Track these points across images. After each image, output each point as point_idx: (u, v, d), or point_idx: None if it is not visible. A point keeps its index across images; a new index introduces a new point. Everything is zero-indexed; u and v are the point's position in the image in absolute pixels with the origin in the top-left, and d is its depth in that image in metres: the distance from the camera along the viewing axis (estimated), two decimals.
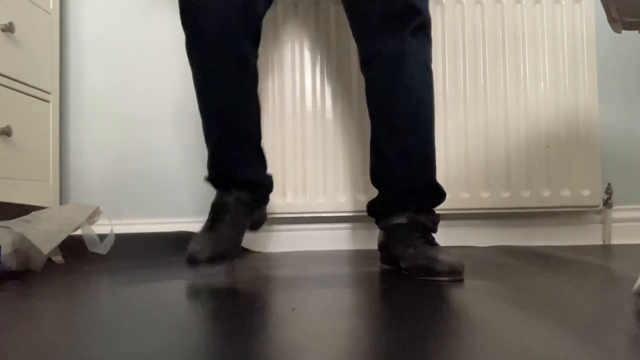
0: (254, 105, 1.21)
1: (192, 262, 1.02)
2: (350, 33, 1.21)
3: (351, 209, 1.56)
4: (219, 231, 1.09)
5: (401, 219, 1.11)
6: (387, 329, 0.62)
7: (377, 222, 1.20)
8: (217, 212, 1.14)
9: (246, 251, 1.56)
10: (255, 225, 1.27)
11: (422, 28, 1.13)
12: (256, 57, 1.18)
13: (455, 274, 0.97)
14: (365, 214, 1.23)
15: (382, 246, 1.17)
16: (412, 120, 1.13)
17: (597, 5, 1.56)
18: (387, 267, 1.16)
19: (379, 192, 1.19)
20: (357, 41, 1.19)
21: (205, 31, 1.09)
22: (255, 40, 1.16)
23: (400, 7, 1.09)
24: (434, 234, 1.12)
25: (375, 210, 1.20)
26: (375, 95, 1.17)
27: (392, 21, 1.10)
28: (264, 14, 1.17)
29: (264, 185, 1.26)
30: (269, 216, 1.55)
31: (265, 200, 1.29)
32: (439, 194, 1.16)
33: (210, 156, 1.19)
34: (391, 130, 1.14)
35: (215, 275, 1.11)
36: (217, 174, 1.19)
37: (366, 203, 1.22)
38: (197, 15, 1.10)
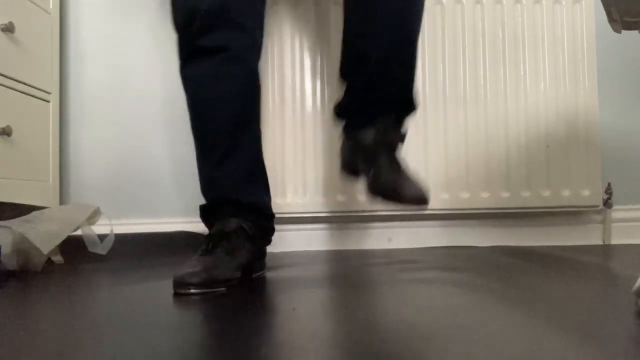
0: (258, 126, 1.09)
1: (180, 286, 0.87)
2: None
3: (351, 209, 1.56)
4: (215, 256, 0.94)
5: (369, 133, 1.04)
6: (386, 329, 0.62)
7: (343, 127, 1.12)
8: (214, 239, 0.98)
9: None
10: (252, 269, 1.06)
11: None
12: (259, 70, 1.08)
13: (420, 201, 0.95)
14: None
15: (345, 153, 1.10)
16: (398, 28, 1.02)
17: (597, 5, 1.56)
18: (348, 175, 1.12)
19: (348, 89, 1.09)
20: None
21: (210, 47, 0.99)
22: (260, 51, 1.06)
23: None
24: (401, 144, 1.07)
25: (344, 112, 1.11)
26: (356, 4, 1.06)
27: None
28: (264, 23, 1.08)
29: (269, 215, 1.10)
30: None
31: (268, 238, 1.12)
32: (412, 106, 1.08)
33: (207, 179, 1.04)
34: (372, 35, 1.03)
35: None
36: (215, 197, 1.04)
37: (339, 116, 1.14)
38: (201, 29, 0.99)
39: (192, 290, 0.87)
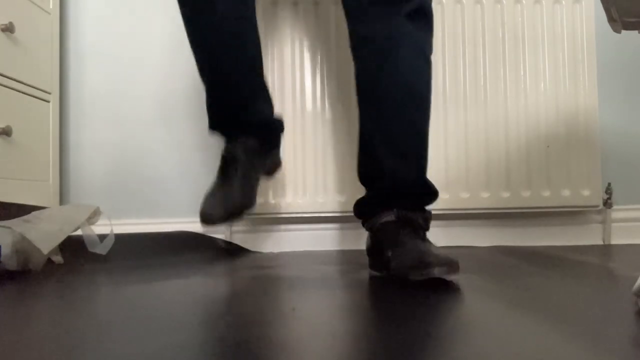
0: (258, 38, 1.11)
1: (207, 221, 0.98)
2: None
3: (352, 209, 1.55)
4: (231, 185, 1.03)
5: (389, 217, 1.01)
6: (386, 330, 0.62)
7: (363, 224, 1.09)
8: (226, 165, 1.07)
9: (246, 251, 1.56)
10: (270, 171, 1.18)
11: (420, 13, 1.03)
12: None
13: (450, 266, 0.85)
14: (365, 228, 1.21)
15: (370, 250, 1.07)
16: (400, 107, 1.03)
17: (597, 5, 1.56)
18: (376, 274, 1.05)
19: (366, 189, 1.10)
20: (348, 23, 1.09)
21: None
22: None
23: None
24: (426, 232, 1.02)
25: (362, 211, 1.09)
26: (363, 80, 1.08)
27: (384, 3, 1.01)
28: None
29: (274, 127, 1.16)
30: (268, 216, 1.55)
31: (277, 143, 1.19)
32: (430, 192, 1.06)
33: (209, 96, 1.09)
34: (377, 118, 1.04)
35: (215, 276, 1.11)
36: (220, 118, 1.09)
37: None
38: None
39: (217, 224, 1.01)
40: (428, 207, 1.06)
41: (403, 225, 0.99)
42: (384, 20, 1.01)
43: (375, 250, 1.04)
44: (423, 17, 1.04)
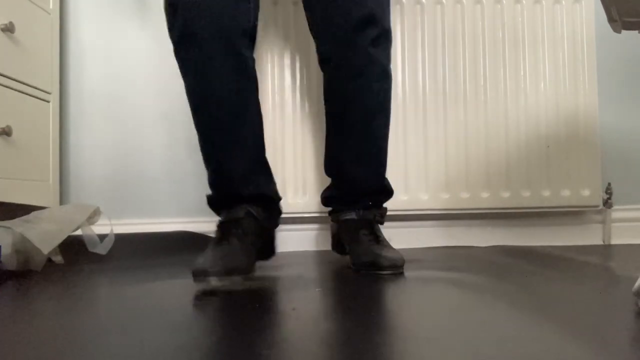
0: (256, 112, 1.10)
1: (200, 275, 0.90)
2: None
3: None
4: (230, 245, 0.97)
5: (351, 215, 1.18)
6: (386, 329, 0.62)
7: (329, 213, 1.26)
8: (225, 228, 1.01)
9: None
10: (264, 253, 1.10)
11: (381, 37, 1.11)
12: (253, 60, 1.09)
13: (396, 268, 1.06)
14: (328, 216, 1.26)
15: (333, 236, 1.27)
16: (363, 128, 1.16)
17: (597, 5, 1.56)
18: (337, 253, 1.27)
19: (331, 181, 1.25)
20: (315, 40, 1.17)
21: (196, 32, 0.99)
22: (252, 41, 1.07)
23: (357, 19, 1.07)
24: (381, 225, 1.20)
25: (328, 202, 1.26)
26: (331, 97, 1.21)
27: (351, 33, 1.08)
28: (257, 13, 1.08)
29: (275, 202, 1.13)
30: None
31: (276, 221, 1.14)
32: (387, 193, 1.23)
33: (212, 174, 1.07)
34: (343, 135, 1.18)
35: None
36: (222, 190, 1.07)
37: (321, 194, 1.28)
38: (187, 14, 0.99)
39: (211, 280, 0.89)
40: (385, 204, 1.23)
41: (362, 224, 1.16)
42: (350, 48, 1.10)
43: (338, 238, 1.24)
44: (385, 40, 1.13)
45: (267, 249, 1.10)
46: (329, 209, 1.27)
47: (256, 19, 1.07)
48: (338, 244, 1.25)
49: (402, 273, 1.06)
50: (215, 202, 1.08)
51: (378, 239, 1.14)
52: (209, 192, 1.09)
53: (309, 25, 1.19)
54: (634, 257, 1.33)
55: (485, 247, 1.54)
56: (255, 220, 1.04)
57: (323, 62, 1.17)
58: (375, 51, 1.11)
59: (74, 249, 1.29)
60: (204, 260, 0.92)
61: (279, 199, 1.15)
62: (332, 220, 1.26)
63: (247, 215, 1.03)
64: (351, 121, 1.16)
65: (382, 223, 1.21)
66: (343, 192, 1.22)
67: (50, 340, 0.60)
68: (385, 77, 1.16)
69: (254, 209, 1.04)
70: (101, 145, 1.67)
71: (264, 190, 1.09)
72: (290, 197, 1.56)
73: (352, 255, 1.15)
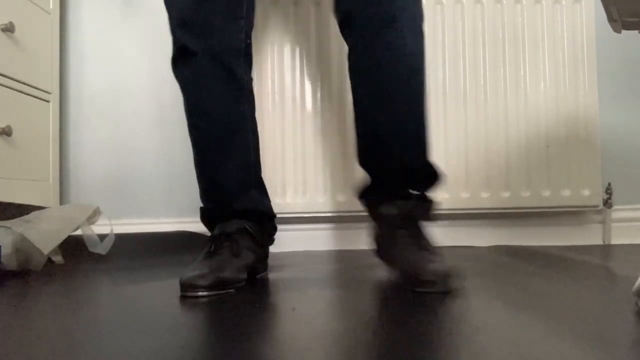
0: (250, 131, 1.07)
1: (189, 288, 0.86)
2: None
3: (351, 209, 1.56)
4: (221, 256, 0.94)
5: (390, 209, 0.99)
6: (386, 330, 0.62)
7: (367, 211, 1.08)
8: (217, 241, 0.98)
9: None
10: (255, 269, 1.05)
11: None
12: (250, 79, 1.08)
13: (437, 285, 0.83)
14: (366, 213, 1.21)
15: (375, 239, 1.06)
16: (403, 89, 0.99)
17: (597, 5, 1.56)
18: (382, 261, 1.05)
19: (368, 175, 1.07)
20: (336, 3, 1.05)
21: (190, 50, 0.99)
22: (248, 61, 1.05)
23: None
24: (430, 222, 1.00)
25: (364, 197, 1.08)
26: (359, 60, 1.02)
27: None
28: (250, 32, 1.06)
29: (270, 218, 1.10)
30: None
31: (270, 237, 1.12)
32: (434, 175, 1.02)
33: (205, 190, 1.05)
34: (378, 101, 1.00)
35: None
36: (214, 204, 1.04)
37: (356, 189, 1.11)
38: (181, 32, 1.00)
39: (200, 293, 0.86)
40: (433, 196, 1.04)
41: (401, 220, 0.98)
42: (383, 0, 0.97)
43: (378, 240, 1.05)
44: None
45: (258, 265, 1.06)
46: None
47: (249, 37, 1.05)
48: (380, 249, 1.04)
49: (446, 292, 0.82)
50: (208, 216, 1.05)
51: (420, 242, 0.94)
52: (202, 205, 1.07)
53: None
54: (634, 257, 1.33)
55: (485, 247, 1.54)
56: (249, 235, 1.01)
57: (345, 23, 1.03)
58: (410, 2, 0.98)
59: (74, 249, 1.29)
60: (192, 273, 0.88)
61: (274, 215, 1.11)
62: (368, 215, 1.07)
63: (239, 231, 0.99)
64: (385, 83, 0.98)
65: (430, 220, 1.00)
66: (379, 180, 1.03)
67: (50, 340, 0.60)
68: (420, 32, 1.00)
69: (248, 224, 1.01)
70: (101, 145, 1.67)
71: (258, 206, 1.06)
72: (290, 197, 1.56)
73: (392, 263, 0.96)
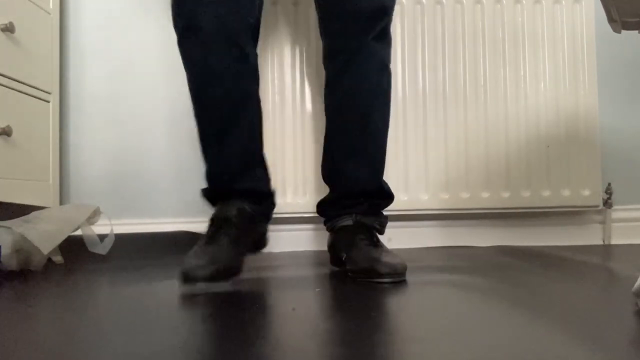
0: (255, 108, 1.10)
1: (188, 279, 0.89)
2: None
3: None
4: (220, 245, 0.96)
5: (347, 221, 1.11)
6: (386, 330, 0.62)
7: (324, 223, 1.20)
8: (217, 225, 1.01)
9: None
10: (257, 246, 1.11)
11: (383, 33, 1.13)
12: (256, 55, 1.10)
13: (397, 275, 0.97)
14: (324, 225, 1.23)
15: (330, 248, 1.17)
16: (361, 122, 1.13)
17: (597, 5, 1.56)
18: (335, 268, 1.15)
19: (329, 191, 1.19)
20: (322, 36, 1.18)
21: (200, 25, 1.00)
22: (255, 36, 1.09)
23: (370, 7, 1.08)
24: (380, 235, 1.12)
25: (323, 211, 1.20)
26: (331, 92, 1.18)
27: (360, 21, 1.09)
28: (261, 8, 1.10)
29: (269, 196, 1.13)
30: None
31: (268, 215, 1.15)
32: (386, 196, 1.16)
33: (208, 167, 1.07)
34: (340, 130, 1.15)
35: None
36: (216, 184, 1.07)
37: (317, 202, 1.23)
38: (192, 8, 1.00)
39: (199, 284, 0.88)
40: (385, 211, 1.17)
41: (359, 229, 1.09)
42: (354, 39, 1.10)
43: (333, 249, 1.15)
44: (385, 36, 1.14)
45: (258, 242, 1.11)
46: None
47: (260, 14, 1.08)
48: (335, 256, 1.15)
49: (403, 281, 0.97)
50: (210, 195, 1.08)
51: (376, 244, 1.07)
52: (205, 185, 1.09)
53: (319, 18, 1.18)
54: (634, 257, 1.33)
55: (485, 247, 1.54)
56: (249, 215, 1.03)
57: (329, 57, 1.17)
58: (378, 45, 1.12)
59: (74, 249, 1.29)
60: (192, 262, 0.91)
61: (273, 192, 1.14)
62: (327, 230, 1.19)
63: (239, 212, 1.02)
64: (349, 115, 1.13)
65: (381, 233, 1.13)
66: (339, 195, 1.16)
67: (50, 340, 0.60)
68: (386, 71, 1.15)
69: (248, 204, 1.04)
70: (101, 145, 1.67)
71: (259, 185, 1.09)
72: (290, 197, 1.56)
73: (348, 263, 1.06)
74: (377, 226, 1.12)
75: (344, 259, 1.07)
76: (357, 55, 1.11)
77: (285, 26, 1.59)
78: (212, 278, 0.89)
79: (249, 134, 1.08)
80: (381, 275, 0.97)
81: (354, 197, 1.12)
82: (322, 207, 1.20)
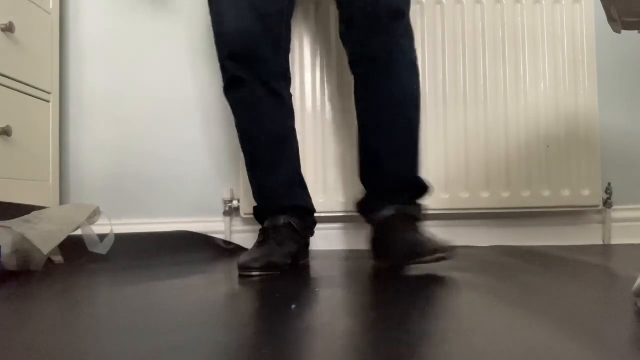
0: (294, 139, 1.27)
1: (245, 270, 1.06)
2: None
3: (351, 209, 1.55)
4: (269, 245, 1.14)
5: (389, 211, 1.17)
6: (386, 329, 0.62)
7: (366, 219, 1.25)
8: (266, 233, 1.18)
9: (246, 251, 1.56)
10: (299, 257, 1.23)
11: (406, 29, 1.19)
12: (290, 96, 1.26)
13: (439, 253, 1.03)
14: (365, 221, 1.24)
15: (372, 242, 1.22)
16: (399, 120, 1.19)
17: (597, 5, 1.56)
18: (379, 263, 1.19)
19: (367, 191, 1.26)
20: (344, 42, 1.25)
21: (243, 78, 1.16)
22: (287, 81, 1.25)
23: (386, 10, 1.15)
24: (421, 222, 1.18)
25: (364, 208, 1.26)
26: (364, 96, 1.24)
27: (381, 23, 1.15)
28: (288, 56, 1.25)
29: (310, 211, 1.28)
30: None
31: (311, 229, 1.31)
32: (424, 189, 1.22)
33: (257, 186, 1.24)
34: (379, 130, 1.21)
35: (215, 276, 1.11)
36: (266, 202, 1.24)
37: (355, 202, 1.29)
38: (234, 63, 1.16)
39: (254, 273, 1.06)
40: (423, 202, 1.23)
41: (401, 218, 1.15)
42: (383, 40, 1.17)
43: (377, 242, 1.20)
44: (408, 32, 1.20)
45: (301, 250, 1.25)
46: (349, 209, 1.32)
47: (288, 61, 1.26)
48: (378, 248, 1.20)
49: (446, 258, 1.02)
50: (260, 213, 1.25)
51: (418, 230, 1.12)
52: (255, 204, 1.27)
53: (340, 26, 1.25)
54: (634, 257, 1.33)
55: (485, 247, 1.54)
56: (293, 228, 1.19)
57: (353, 63, 1.23)
58: (404, 42, 1.19)
59: (74, 249, 1.29)
60: (247, 257, 1.09)
61: (314, 210, 1.30)
62: (368, 223, 1.24)
63: (285, 224, 1.18)
64: (386, 114, 1.19)
65: (421, 219, 1.19)
66: (379, 193, 1.21)
67: (50, 341, 0.60)
68: (414, 67, 1.21)
69: (293, 219, 1.19)
70: (101, 145, 1.67)
71: (301, 203, 1.25)
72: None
73: (393, 250, 1.10)
74: (417, 214, 1.19)
75: (388, 248, 1.13)
76: (385, 57, 1.17)
77: (305, 29, 1.59)
78: (264, 268, 1.07)
79: (291, 161, 1.26)
80: (422, 255, 1.03)
81: (396, 190, 1.19)
82: (362, 204, 1.27)
